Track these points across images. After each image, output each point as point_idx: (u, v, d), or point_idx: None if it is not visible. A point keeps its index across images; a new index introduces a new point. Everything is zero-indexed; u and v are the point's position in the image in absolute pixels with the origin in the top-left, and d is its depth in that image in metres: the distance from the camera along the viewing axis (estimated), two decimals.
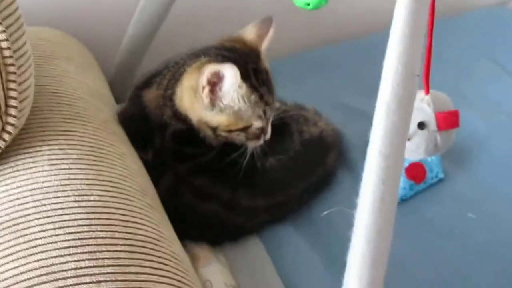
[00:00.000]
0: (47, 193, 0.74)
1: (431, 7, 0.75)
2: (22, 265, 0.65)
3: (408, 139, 0.83)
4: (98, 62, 1.25)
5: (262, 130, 0.99)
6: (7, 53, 0.76)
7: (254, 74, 0.97)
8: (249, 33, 1.03)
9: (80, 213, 0.72)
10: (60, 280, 0.64)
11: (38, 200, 0.73)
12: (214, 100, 0.94)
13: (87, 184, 0.77)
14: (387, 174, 0.57)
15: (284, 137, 1.07)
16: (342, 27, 1.59)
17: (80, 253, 0.67)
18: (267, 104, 0.98)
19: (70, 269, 0.65)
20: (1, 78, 0.75)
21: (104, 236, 0.70)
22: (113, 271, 0.66)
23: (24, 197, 0.74)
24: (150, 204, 0.82)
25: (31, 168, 0.78)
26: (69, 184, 0.76)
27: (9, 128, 0.78)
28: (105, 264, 0.66)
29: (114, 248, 0.69)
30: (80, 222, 0.71)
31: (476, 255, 1.01)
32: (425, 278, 0.98)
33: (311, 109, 1.19)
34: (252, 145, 1.00)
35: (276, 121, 1.04)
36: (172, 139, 0.98)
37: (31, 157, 0.80)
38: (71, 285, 0.63)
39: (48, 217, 0.71)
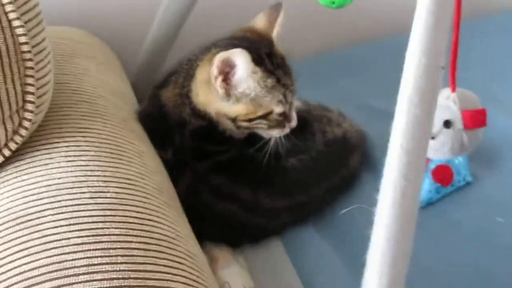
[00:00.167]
0: (62, 189, 0.74)
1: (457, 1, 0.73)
2: (33, 261, 0.64)
3: (433, 138, 0.80)
4: (121, 62, 1.25)
5: (285, 117, 0.97)
6: (25, 48, 0.75)
7: (269, 58, 0.95)
8: (259, 21, 1.01)
9: (95, 209, 0.71)
10: (71, 277, 0.62)
11: (53, 196, 0.72)
12: (229, 89, 0.92)
13: (104, 181, 0.76)
14: (409, 169, 0.55)
15: (306, 137, 1.05)
16: (368, 27, 1.57)
17: (93, 249, 0.66)
18: (286, 88, 0.95)
19: (82, 266, 0.64)
20: (19, 73, 0.75)
21: (118, 233, 0.69)
22: (127, 268, 0.64)
23: (40, 193, 0.73)
24: (167, 202, 0.80)
25: (47, 164, 0.78)
26: (85, 181, 0.75)
27: (26, 123, 0.77)
28: (119, 261, 0.65)
29: (128, 245, 0.67)
30: (94, 219, 0.70)
31: (504, 260, 0.97)
32: (450, 282, 0.94)
33: (335, 110, 1.16)
34: (276, 134, 0.97)
35: (299, 121, 1.01)
36: (191, 137, 0.97)
37: (48, 153, 0.79)
38: (82, 281, 0.62)
39: (62, 213, 0.70)
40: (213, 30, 1.04)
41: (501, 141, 1.16)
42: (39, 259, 0.64)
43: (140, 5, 1.36)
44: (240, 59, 0.90)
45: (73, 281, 0.62)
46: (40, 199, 0.72)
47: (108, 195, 0.74)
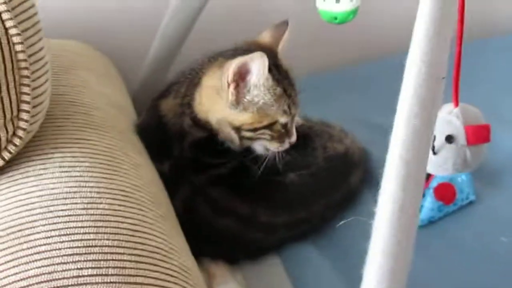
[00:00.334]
0: (55, 199, 0.72)
1: (460, 13, 0.71)
2: (22, 271, 0.63)
3: (435, 153, 0.78)
4: (123, 77, 1.24)
5: (286, 131, 0.96)
6: (21, 56, 0.74)
7: (275, 68, 0.95)
8: (265, 36, 1.02)
9: (87, 220, 0.70)
10: None
11: (45, 206, 0.71)
12: (239, 97, 0.92)
13: (98, 192, 0.75)
14: (408, 181, 0.53)
15: (307, 152, 1.04)
16: (371, 45, 1.56)
17: (84, 261, 0.64)
18: (291, 98, 0.95)
19: (71, 277, 0.62)
20: (14, 81, 0.74)
21: (110, 244, 0.67)
22: (117, 280, 0.63)
23: (32, 203, 0.72)
24: (163, 215, 0.79)
25: (41, 174, 0.76)
26: (78, 192, 0.74)
27: (20, 133, 0.76)
28: (109, 273, 0.63)
29: (119, 257, 0.66)
30: (86, 230, 0.68)
31: (509, 281, 0.95)
32: None
33: (337, 127, 1.15)
34: (275, 148, 0.97)
35: (300, 136, 1.00)
36: (191, 148, 0.96)
37: (42, 164, 0.78)
38: None
39: (54, 223, 0.69)
40: (215, 45, 1.03)
41: (505, 160, 1.14)
42: (28, 270, 0.63)
43: (142, 20, 1.35)
44: (258, 63, 0.89)
45: None
46: (33, 209, 0.71)
47: (101, 206, 0.72)
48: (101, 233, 0.68)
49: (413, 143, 0.54)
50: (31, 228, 0.68)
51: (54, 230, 0.68)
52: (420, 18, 0.55)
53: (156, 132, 0.98)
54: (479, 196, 1.09)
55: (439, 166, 0.79)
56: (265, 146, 0.97)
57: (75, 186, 0.75)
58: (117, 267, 0.64)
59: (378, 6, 1.54)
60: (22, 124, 0.76)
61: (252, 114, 0.93)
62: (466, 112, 0.80)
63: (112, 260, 0.65)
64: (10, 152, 0.76)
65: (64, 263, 0.64)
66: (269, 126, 0.95)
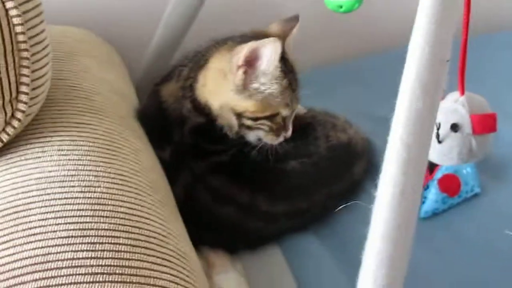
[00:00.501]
0: (52, 182, 0.72)
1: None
2: (17, 253, 0.62)
3: (440, 142, 0.77)
4: (126, 64, 1.24)
5: (284, 124, 0.95)
6: (21, 37, 0.74)
7: (282, 60, 0.93)
8: (274, 28, 1.00)
9: (84, 203, 0.69)
10: (54, 270, 0.60)
11: (42, 189, 0.70)
12: (246, 82, 0.91)
13: (95, 176, 0.74)
14: (409, 164, 0.52)
15: (309, 141, 1.02)
16: (377, 38, 1.54)
17: (79, 243, 0.64)
18: (294, 92, 0.95)
19: (66, 259, 0.61)
20: (14, 63, 0.73)
21: (106, 228, 0.66)
22: (112, 263, 0.62)
23: (29, 185, 0.71)
24: (161, 200, 0.78)
25: (39, 157, 0.76)
26: (76, 175, 0.73)
27: (19, 115, 0.75)
28: (104, 256, 0.63)
29: (115, 240, 0.65)
30: (83, 213, 0.68)
31: None
32: None
33: (341, 117, 1.14)
34: (270, 141, 0.96)
35: (302, 124, 0.99)
36: (190, 134, 0.95)
37: (41, 147, 0.77)
38: (65, 275, 0.60)
39: (51, 206, 0.68)
40: (218, 34, 1.02)
41: (511, 153, 1.13)
42: (22, 251, 0.62)
43: (146, 8, 1.34)
44: (270, 48, 0.88)
45: (56, 274, 0.60)
46: (29, 191, 0.70)
47: (99, 190, 0.71)
48: (98, 216, 0.67)
49: (415, 126, 0.52)
50: (27, 210, 0.68)
51: (50, 212, 0.67)
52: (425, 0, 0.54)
53: (157, 118, 0.97)
54: (484, 188, 1.08)
55: (444, 155, 0.78)
56: (259, 137, 0.96)
57: (73, 170, 0.74)
58: (112, 251, 0.64)
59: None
60: (21, 106, 0.75)
61: (256, 102, 0.92)
62: (472, 100, 0.79)
63: (108, 243, 0.64)
64: (8, 134, 0.75)
65: (59, 245, 0.63)
66: (271, 117, 0.94)
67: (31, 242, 0.63)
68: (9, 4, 0.72)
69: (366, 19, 1.44)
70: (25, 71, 0.75)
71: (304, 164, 0.99)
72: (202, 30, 1.22)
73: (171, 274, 0.65)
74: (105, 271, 0.61)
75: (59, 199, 0.69)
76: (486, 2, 1.36)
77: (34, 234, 0.64)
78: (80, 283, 0.59)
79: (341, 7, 0.77)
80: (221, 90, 0.92)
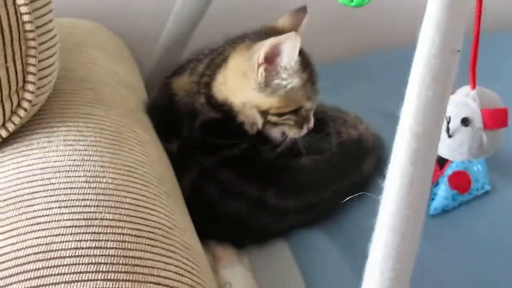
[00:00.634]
0: (58, 172, 0.71)
1: None
2: (20, 242, 0.62)
3: (450, 136, 0.76)
4: (136, 59, 1.23)
5: (307, 116, 0.95)
6: (28, 26, 0.73)
7: (300, 54, 0.92)
8: (283, 22, 0.99)
9: (89, 193, 0.68)
10: (57, 259, 0.60)
11: (47, 178, 0.70)
12: (268, 79, 0.90)
13: (101, 166, 0.73)
14: (418, 155, 0.51)
15: (320, 136, 1.01)
16: (387, 35, 1.53)
17: (83, 233, 0.63)
18: (314, 85, 0.94)
19: (70, 249, 0.61)
20: (20, 52, 0.73)
21: (111, 218, 0.66)
22: (116, 254, 0.61)
23: (34, 175, 0.71)
24: (167, 192, 0.77)
25: (45, 147, 0.75)
26: (82, 165, 0.73)
27: (25, 104, 0.75)
28: (108, 246, 0.62)
29: (120, 231, 0.64)
30: (87, 203, 0.67)
31: None
32: None
33: (351, 114, 1.13)
34: (293, 134, 0.95)
35: (314, 121, 0.98)
36: (201, 129, 0.94)
37: (47, 137, 0.77)
38: (68, 264, 0.59)
39: (55, 195, 0.68)
40: (228, 29, 1.02)
41: None
42: (26, 240, 0.62)
43: (156, 2, 1.34)
44: (290, 44, 0.87)
45: (58, 264, 0.59)
46: (34, 181, 0.70)
47: (104, 180, 0.71)
48: (102, 206, 0.67)
49: (425, 115, 0.51)
50: (31, 199, 0.67)
51: (54, 202, 0.67)
52: None
53: (167, 110, 0.96)
54: (494, 186, 1.06)
55: (454, 150, 0.76)
56: (284, 132, 0.96)
57: (79, 160, 0.73)
58: (116, 241, 0.63)
59: None
60: (27, 95, 0.75)
61: (279, 98, 0.91)
62: (483, 95, 0.77)
63: (112, 233, 0.64)
64: (14, 124, 0.75)
65: (62, 234, 0.62)
66: (295, 112, 0.94)
67: (34, 231, 0.63)
68: None
69: (376, 15, 1.43)
70: (32, 60, 0.74)
71: (315, 161, 0.98)
72: (211, 25, 1.22)
73: (175, 266, 0.64)
74: (109, 261, 0.60)
75: (64, 188, 0.68)
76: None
77: (38, 223, 0.64)
78: (83, 272, 0.59)
79: (352, 1, 0.76)
80: (243, 88, 0.91)
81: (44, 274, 0.58)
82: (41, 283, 0.57)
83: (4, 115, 0.73)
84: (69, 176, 0.70)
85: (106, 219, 0.65)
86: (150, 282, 0.60)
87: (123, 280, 0.59)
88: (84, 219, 0.65)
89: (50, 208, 0.66)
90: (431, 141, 0.52)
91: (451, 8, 0.52)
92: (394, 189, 0.52)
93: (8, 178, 0.71)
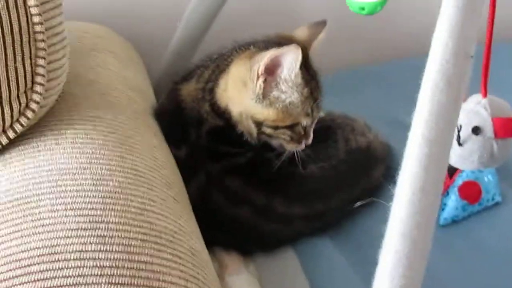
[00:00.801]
0: (64, 174, 0.71)
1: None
2: (24, 243, 0.62)
3: (461, 145, 0.75)
4: (146, 64, 1.23)
5: (305, 133, 0.94)
6: (38, 28, 0.73)
7: (305, 67, 0.91)
8: (300, 33, 0.98)
9: (95, 196, 0.68)
10: (62, 261, 0.59)
11: (54, 180, 0.70)
12: (267, 91, 0.89)
13: (108, 170, 0.73)
14: (430, 160, 0.50)
15: (328, 144, 1.00)
16: (399, 44, 1.53)
17: (89, 236, 0.62)
18: (315, 102, 0.93)
19: (74, 251, 0.60)
20: (30, 53, 0.73)
21: (117, 221, 0.65)
22: (121, 257, 0.61)
23: (41, 176, 0.71)
24: (174, 197, 0.77)
25: (52, 149, 0.75)
26: (89, 168, 0.72)
27: (33, 106, 0.75)
28: (114, 249, 0.61)
29: (126, 234, 0.64)
30: (94, 205, 0.67)
31: None
32: None
33: (360, 121, 1.12)
34: (291, 148, 0.94)
35: (322, 127, 0.97)
36: (208, 136, 0.93)
37: (55, 139, 0.77)
38: (72, 267, 0.59)
39: (61, 198, 0.67)
40: (239, 35, 1.01)
41: None
42: (30, 242, 0.62)
43: (167, 8, 1.34)
44: (291, 56, 0.86)
45: (63, 266, 0.59)
46: (40, 182, 0.69)
47: (111, 183, 0.70)
48: (109, 209, 0.66)
49: (437, 121, 0.50)
50: (37, 201, 0.67)
51: (60, 204, 0.66)
52: None
53: (174, 116, 0.96)
54: (505, 197, 1.05)
55: (465, 158, 0.75)
56: (281, 144, 0.95)
57: (86, 162, 0.73)
58: (122, 244, 0.62)
59: (409, 5, 1.51)
60: (35, 97, 0.75)
61: (276, 111, 0.90)
62: (495, 103, 0.77)
63: (118, 237, 0.63)
64: (22, 125, 0.74)
65: (68, 237, 0.62)
66: (291, 127, 0.92)
67: (39, 233, 0.62)
68: None
69: (387, 24, 1.43)
70: (41, 61, 0.74)
71: (322, 168, 0.97)
72: (222, 31, 1.22)
73: (181, 271, 0.63)
74: (114, 265, 0.60)
75: (70, 191, 0.68)
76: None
77: (43, 225, 0.63)
78: (88, 275, 0.58)
79: (363, 9, 0.75)
80: (241, 97, 0.91)
81: (48, 276, 0.57)
82: (45, 285, 0.57)
83: (12, 116, 0.73)
84: (76, 179, 0.70)
85: (112, 223, 0.65)
86: (155, 287, 0.59)
87: (127, 284, 0.58)
88: (90, 222, 0.64)
89: (56, 210, 0.65)
90: (443, 146, 0.52)
91: (464, 13, 0.51)
92: (405, 195, 0.51)
93: (14, 179, 0.70)
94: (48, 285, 0.57)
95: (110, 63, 1.01)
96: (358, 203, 0.88)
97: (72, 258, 0.59)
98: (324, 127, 1.00)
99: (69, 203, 0.66)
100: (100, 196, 0.68)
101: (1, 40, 0.68)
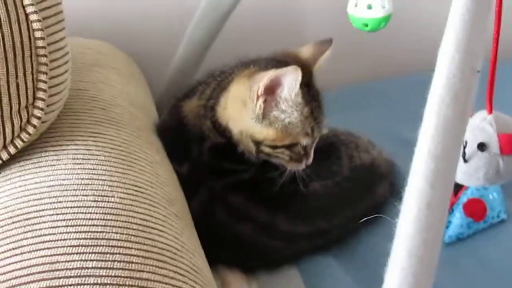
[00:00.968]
0: (65, 190, 0.70)
1: (497, 11, 0.68)
2: (24, 260, 0.61)
3: (466, 161, 0.74)
4: (148, 80, 1.23)
5: (306, 152, 0.93)
6: (40, 43, 0.73)
7: (306, 88, 0.91)
8: (305, 51, 0.98)
9: (96, 213, 0.67)
10: (62, 279, 0.58)
11: (54, 196, 0.69)
12: (266, 110, 0.88)
13: (110, 186, 0.72)
14: (436, 176, 0.49)
15: (332, 161, 1.00)
16: (403, 61, 1.52)
17: (89, 252, 0.61)
18: (316, 122, 0.92)
19: (75, 268, 0.59)
20: (32, 68, 0.72)
21: (118, 238, 0.64)
22: (123, 274, 0.60)
23: (41, 193, 0.70)
24: (176, 213, 0.76)
25: (53, 165, 0.74)
26: (90, 184, 0.71)
27: (34, 121, 0.74)
28: (115, 266, 0.60)
29: (127, 251, 0.63)
30: (95, 222, 0.66)
31: None
32: None
33: (364, 138, 1.11)
34: (290, 167, 0.94)
35: (325, 144, 0.96)
36: (209, 153, 0.93)
37: (55, 155, 0.76)
38: (73, 284, 0.58)
39: (62, 214, 0.67)
40: (241, 51, 1.01)
41: None
42: (30, 259, 0.61)
43: (169, 25, 1.34)
44: (290, 77, 0.86)
45: (63, 283, 0.58)
46: (41, 198, 0.69)
47: (112, 200, 0.70)
48: (110, 226, 0.66)
49: (444, 136, 0.50)
50: (38, 217, 0.66)
51: (61, 220, 0.65)
52: (456, 7, 0.51)
53: (177, 133, 0.95)
54: (510, 215, 1.04)
55: (470, 175, 0.75)
56: (282, 163, 0.94)
57: (87, 179, 0.72)
58: (123, 261, 0.61)
59: (412, 21, 1.51)
60: (36, 112, 0.74)
61: (275, 130, 0.90)
62: (500, 120, 0.76)
63: (119, 254, 0.62)
64: (23, 141, 0.74)
65: (68, 253, 0.61)
66: (290, 147, 0.92)
67: (40, 249, 0.61)
68: (29, 9, 0.71)
69: (390, 41, 1.43)
70: (42, 77, 0.74)
71: (326, 186, 0.97)
72: (225, 49, 1.22)
73: None
74: (115, 282, 0.59)
75: (71, 207, 0.67)
76: None
77: (43, 242, 0.62)
78: None
79: (366, 25, 0.75)
80: (241, 116, 0.90)
81: None
82: None
83: (13, 131, 0.73)
84: (77, 195, 0.69)
85: (113, 239, 0.64)
86: None
87: None
88: (90, 238, 0.63)
89: (56, 227, 0.64)
90: (450, 162, 0.51)
91: (471, 26, 0.51)
92: (411, 211, 0.50)
93: (15, 195, 0.70)
94: None
95: (113, 79, 1.01)
96: (364, 219, 0.87)
97: (73, 275, 0.58)
98: (327, 144, 0.99)
99: (70, 219, 0.65)
100: (101, 212, 0.67)
101: (3, 55, 0.68)
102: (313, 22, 1.49)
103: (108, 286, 0.58)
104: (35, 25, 0.72)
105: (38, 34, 0.72)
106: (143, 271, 0.61)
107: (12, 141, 0.73)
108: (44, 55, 0.73)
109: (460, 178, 0.77)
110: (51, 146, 0.77)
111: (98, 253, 0.62)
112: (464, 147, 0.75)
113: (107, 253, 0.62)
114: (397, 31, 1.45)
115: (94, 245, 0.62)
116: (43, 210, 0.67)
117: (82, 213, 0.67)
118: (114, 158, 0.78)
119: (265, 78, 0.86)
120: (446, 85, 0.50)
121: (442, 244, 0.65)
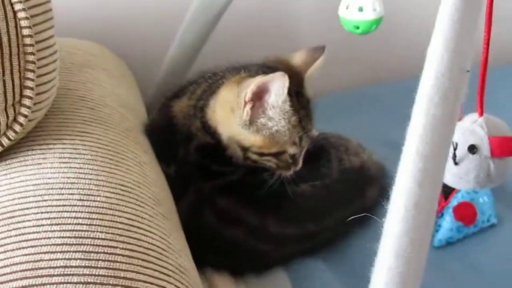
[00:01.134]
0: (51, 189, 0.69)
1: (487, 13, 0.67)
2: (7, 258, 0.60)
3: (457, 163, 0.73)
4: (139, 82, 1.22)
5: (294, 160, 0.93)
6: (27, 41, 0.72)
7: (296, 96, 0.91)
8: (298, 57, 0.98)
9: (81, 211, 0.66)
10: (45, 277, 0.57)
11: (40, 195, 0.68)
12: (254, 117, 0.88)
13: (96, 185, 0.71)
14: (424, 176, 0.48)
15: (321, 163, 0.99)
16: (395, 66, 1.52)
17: (73, 251, 0.61)
18: (305, 131, 0.92)
19: (58, 267, 0.59)
20: (19, 66, 0.72)
21: (103, 237, 0.63)
22: (106, 273, 0.59)
23: (26, 191, 0.69)
24: (163, 214, 0.75)
25: (40, 164, 0.74)
26: (76, 183, 0.71)
27: (21, 119, 0.73)
28: (99, 265, 0.60)
29: (112, 251, 0.62)
30: (80, 221, 0.65)
31: None
32: None
33: (354, 141, 1.11)
34: (279, 173, 0.93)
35: (315, 147, 0.96)
36: (196, 152, 0.92)
37: (42, 154, 0.75)
38: (56, 282, 0.57)
39: (47, 212, 0.66)
40: (231, 54, 1.01)
41: None
42: (14, 257, 0.60)
43: (160, 27, 1.34)
44: (278, 83, 0.85)
45: (46, 282, 0.57)
46: (26, 197, 0.68)
47: (98, 199, 0.69)
48: (95, 225, 0.65)
49: (432, 136, 0.49)
50: (22, 215, 0.65)
51: (45, 219, 0.65)
52: (445, 5, 0.51)
53: (165, 133, 0.94)
54: (500, 218, 1.04)
55: (460, 178, 0.74)
56: (270, 168, 0.94)
57: (73, 177, 0.72)
58: (107, 261, 0.61)
59: (404, 26, 1.51)
60: (23, 110, 0.73)
61: (263, 137, 0.90)
62: (491, 122, 0.75)
63: (104, 253, 0.61)
64: (9, 139, 0.73)
65: (52, 252, 0.60)
66: (277, 155, 0.92)
67: (23, 247, 0.61)
68: (17, 6, 0.71)
69: (381, 46, 1.43)
70: (30, 75, 0.73)
71: (315, 188, 0.96)
72: (216, 51, 1.21)
73: None
74: (98, 281, 0.58)
75: (56, 206, 0.67)
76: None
77: (27, 240, 0.62)
78: None
79: (358, 28, 0.75)
80: (229, 122, 0.90)
81: None
82: None
83: None
84: (63, 194, 0.68)
85: (98, 238, 0.63)
86: None
87: None
88: (75, 237, 0.62)
89: (41, 225, 0.63)
90: (438, 161, 0.50)
91: (460, 26, 0.50)
92: (399, 211, 0.49)
93: (0, 193, 0.68)
94: None
95: (103, 80, 1.00)
96: (351, 218, 0.86)
97: (56, 273, 0.58)
98: (317, 146, 0.98)
99: (54, 217, 0.65)
100: (86, 211, 0.66)
101: None
102: (306, 26, 1.49)
103: (91, 285, 0.57)
104: (23, 23, 0.71)
105: (26, 31, 0.72)
106: (127, 270, 0.60)
107: None
108: (32, 53, 0.72)
109: (450, 181, 0.76)
110: (37, 145, 0.77)
111: (83, 251, 0.61)
112: (455, 149, 0.74)
113: (91, 252, 0.61)
114: (390, 36, 1.45)
115: (78, 244, 0.62)
116: (28, 208, 0.66)
117: (67, 211, 0.66)
118: (101, 157, 0.77)
119: (252, 84, 0.86)
120: (435, 85, 0.50)
121: (431, 248, 0.64)
